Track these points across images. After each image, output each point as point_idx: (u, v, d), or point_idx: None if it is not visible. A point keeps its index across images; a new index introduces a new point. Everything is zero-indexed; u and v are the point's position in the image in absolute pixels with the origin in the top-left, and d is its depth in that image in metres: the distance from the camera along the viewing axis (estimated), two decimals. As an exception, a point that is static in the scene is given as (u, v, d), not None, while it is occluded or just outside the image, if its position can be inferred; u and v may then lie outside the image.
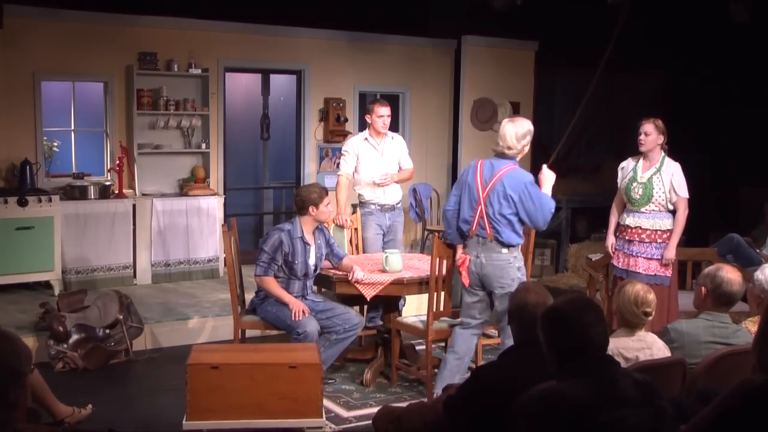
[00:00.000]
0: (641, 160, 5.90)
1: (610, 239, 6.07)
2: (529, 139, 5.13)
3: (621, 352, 3.69)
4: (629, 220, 5.91)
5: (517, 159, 5.15)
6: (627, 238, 5.91)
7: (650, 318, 3.82)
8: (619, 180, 6.02)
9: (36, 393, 4.34)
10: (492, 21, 9.12)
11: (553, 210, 5.12)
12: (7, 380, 2.43)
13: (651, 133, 5.79)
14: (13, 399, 2.43)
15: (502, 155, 5.11)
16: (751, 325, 3.94)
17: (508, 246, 5.07)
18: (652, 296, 3.83)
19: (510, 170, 5.04)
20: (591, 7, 8.72)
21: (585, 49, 9.45)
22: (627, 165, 6.00)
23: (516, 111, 10.12)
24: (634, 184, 5.86)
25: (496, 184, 5.02)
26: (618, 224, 6.04)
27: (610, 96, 10.24)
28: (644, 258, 5.83)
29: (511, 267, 5.09)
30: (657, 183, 5.79)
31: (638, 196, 5.83)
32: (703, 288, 4.00)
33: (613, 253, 6.04)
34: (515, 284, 4.79)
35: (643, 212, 5.85)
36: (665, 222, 5.83)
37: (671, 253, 5.79)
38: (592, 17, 9.04)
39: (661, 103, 10.13)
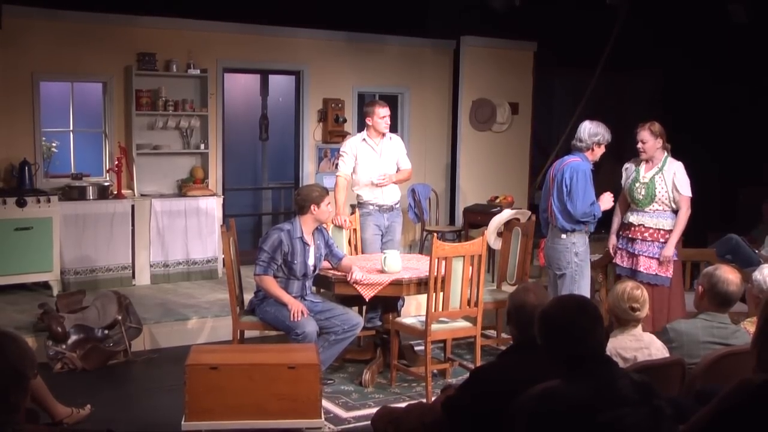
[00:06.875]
0: (644, 162, 5.88)
1: (612, 240, 6.07)
2: (599, 140, 5.62)
3: (619, 353, 3.69)
4: (633, 218, 5.89)
5: (589, 159, 5.55)
6: (630, 236, 5.89)
7: (639, 314, 3.81)
8: (623, 181, 6.01)
9: (35, 394, 4.33)
10: (491, 21, 9.12)
11: (594, 210, 5.53)
12: (11, 382, 2.42)
13: (648, 140, 5.77)
14: (14, 401, 2.42)
15: (574, 149, 5.67)
16: (750, 326, 3.92)
17: (565, 231, 5.54)
18: (640, 292, 3.83)
19: (572, 161, 5.58)
20: (590, 8, 8.73)
21: (584, 50, 9.47)
22: (630, 166, 5.99)
23: (515, 111, 10.13)
24: (637, 185, 5.84)
25: (557, 174, 5.61)
26: (621, 223, 6.03)
27: (609, 96, 10.25)
28: (645, 257, 5.81)
29: (568, 251, 5.60)
30: (659, 182, 5.78)
31: (641, 196, 5.82)
32: (700, 287, 4.01)
33: (614, 253, 6.04)
34: (571, 267, 5.50)
35: (647, 211, 5.84)
36: (669, 221, 5.80)
37: (669, 250, 5.74)
38: (591, 17, 9.05)
39: (660, 103, 10.15)
